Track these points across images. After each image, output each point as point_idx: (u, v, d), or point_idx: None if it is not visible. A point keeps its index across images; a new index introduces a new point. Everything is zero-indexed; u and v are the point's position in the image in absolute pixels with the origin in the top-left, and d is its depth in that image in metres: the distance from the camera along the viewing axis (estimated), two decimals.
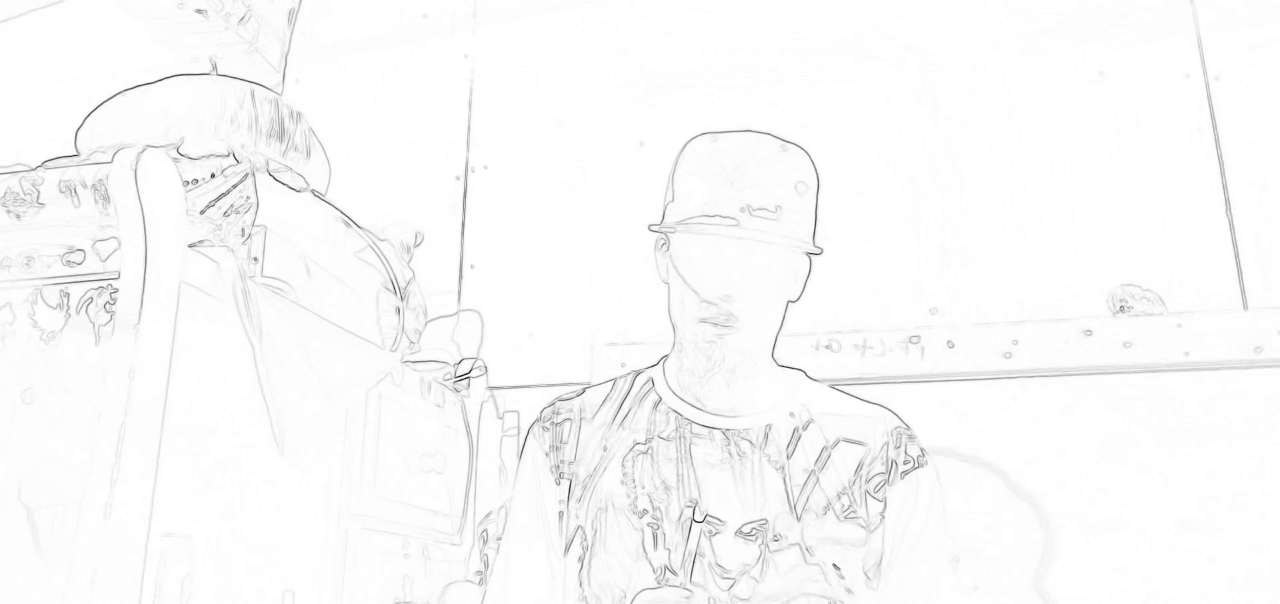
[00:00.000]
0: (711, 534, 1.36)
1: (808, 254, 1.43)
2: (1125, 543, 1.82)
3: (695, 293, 1.40)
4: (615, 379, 1.55)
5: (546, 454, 1.50)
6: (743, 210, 1.38)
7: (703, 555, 1.36)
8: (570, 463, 1.48)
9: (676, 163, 1.48)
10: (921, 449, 1.44)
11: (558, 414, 1.52)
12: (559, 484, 1.47)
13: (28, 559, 1.32)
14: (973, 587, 1.82)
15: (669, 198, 1.47)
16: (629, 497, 1.41)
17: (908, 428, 1.45)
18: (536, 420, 1.54)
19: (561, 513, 1.46)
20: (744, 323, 1.39)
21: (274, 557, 1.57)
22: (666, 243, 1.47)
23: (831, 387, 1.50)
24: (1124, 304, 1.93)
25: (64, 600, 1.26)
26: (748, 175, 1.39)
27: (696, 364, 1.42)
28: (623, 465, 1.44)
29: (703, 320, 1.39)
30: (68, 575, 1.26)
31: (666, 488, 1.41)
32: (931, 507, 1.42)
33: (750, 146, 1.42)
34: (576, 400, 1.53)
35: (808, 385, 1.49)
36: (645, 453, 1.44)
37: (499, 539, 1.60)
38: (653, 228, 1.48)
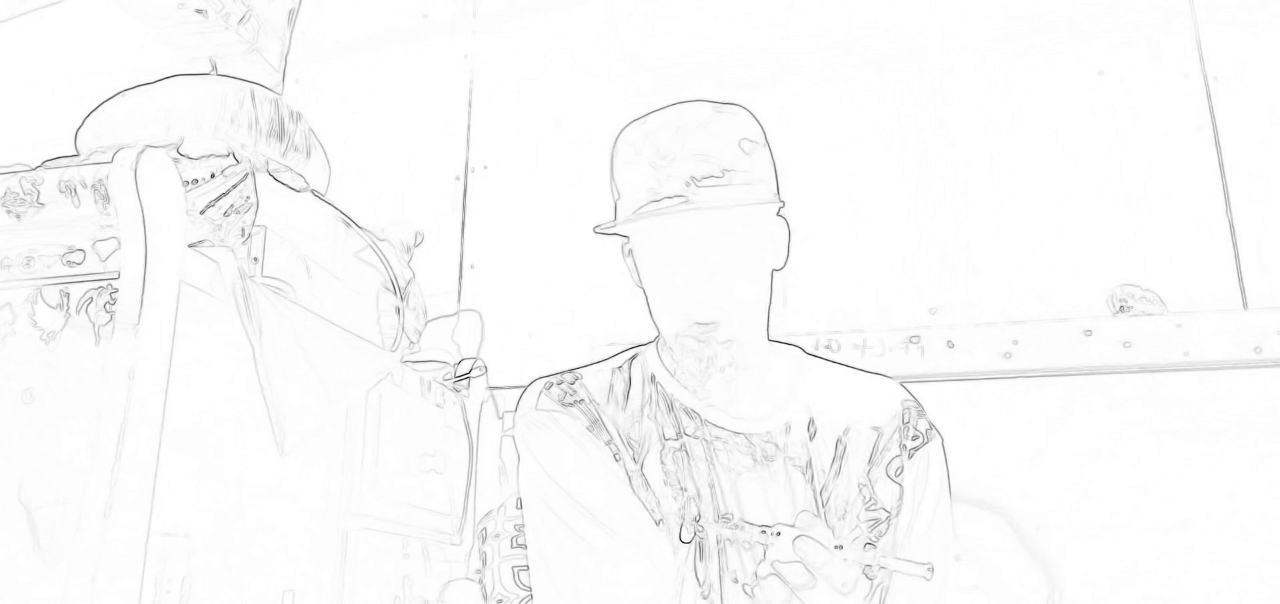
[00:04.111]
0: (765, 545, 1.26)
1: (778, 213, 1.34)
2: (1124, 543, 1.82)
3: (671, 287, 1.30)
4: (610, 368, 1.43)
5: (589, 430, 1.33)
6: (688, 184, 1.28)
7: (762, 574, 1.25)
8: (616, 443, 1.34)
9: (613, 158, 1.38)
10: (929, 423, 1.38)
11: (574, 394, 1.38)
12: (618, 462, 1.32)
13: (28, 559, 1.32)
14: (972, 586, 1.82)
15: (615, 196, 1.38)
16: (675, 501, 1.30)
17: (914, 400, 1.40)
18: (545, 398, 1.36)
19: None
20: (727, 305, 1.30)
21: (274, 557, 1.57)
22: (630, 245, 1.37)
23: (830, 361, 1.44)
24: (1124, 304, 1.93)
25: (64, 600, 1.26)
26: (686, 145, 1.30)
27: (688, 365, 1.35)
28: (661, 462, 1.33)
29: (688, 317, 1.31)
30: (68, 575, 1.26)
31: (699, 496, 1.31)
32: (941, 485, 1.36)
33: (682, 117, 1.33)
34: (579, 384, 1.39)
35: (810, 367, 1.41)
36: (680, 449, 1.33)
37: (497, 536, 1.47)
38: (598, 230, 1.37)
